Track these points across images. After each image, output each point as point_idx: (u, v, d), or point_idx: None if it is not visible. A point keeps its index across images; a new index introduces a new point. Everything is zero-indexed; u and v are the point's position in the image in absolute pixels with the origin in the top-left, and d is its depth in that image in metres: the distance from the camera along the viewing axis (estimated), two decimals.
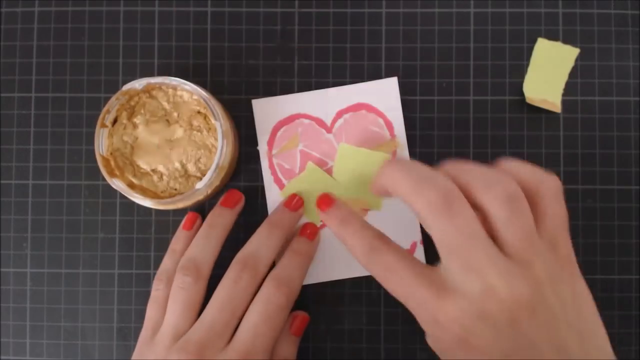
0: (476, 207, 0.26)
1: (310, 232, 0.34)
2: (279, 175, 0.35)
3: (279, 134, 0.35)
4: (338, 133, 0.35)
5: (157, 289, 0.32)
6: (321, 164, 0.35)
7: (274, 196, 0.35)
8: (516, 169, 0.27)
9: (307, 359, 0.35)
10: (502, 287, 0.24)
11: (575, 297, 0.25)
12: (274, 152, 0.35)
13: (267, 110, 0.35)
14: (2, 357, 0.35)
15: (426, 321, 0.26)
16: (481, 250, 0.24)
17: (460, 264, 0.25)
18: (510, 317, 0.24)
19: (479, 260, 0.24)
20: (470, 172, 0.26)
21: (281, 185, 0.35)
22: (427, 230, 0.26)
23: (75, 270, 0.35)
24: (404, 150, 0.35)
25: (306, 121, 0.35)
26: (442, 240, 0.25)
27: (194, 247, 0.32)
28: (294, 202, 0.34)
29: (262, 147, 0.35)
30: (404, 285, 0.26)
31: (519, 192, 0.25)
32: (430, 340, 0.27)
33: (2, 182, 0.36)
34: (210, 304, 0.31)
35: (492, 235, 0.25)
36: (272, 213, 0.34)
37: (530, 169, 0.27)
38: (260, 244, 0.32)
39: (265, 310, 0.30)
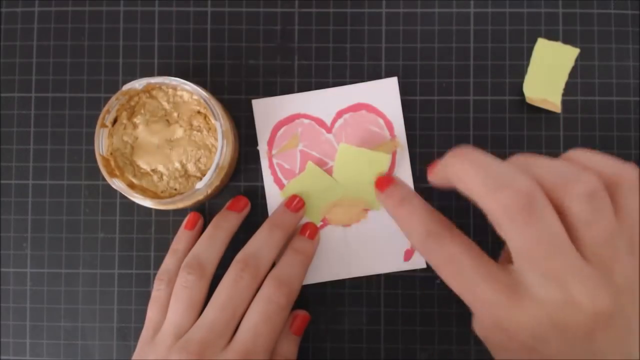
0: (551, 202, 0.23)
1: (310, 231, 0.34)
2: (279, 175, 0.35)
3: (279, 134, 0.35)
4: (338, 133, 0.35)
5: (158, 289, 0.32)
6: (321, 164, 0.35)
7: (274, 196, 0.35)
8: (591, 160, 0.24)
9: (307, 359, 0.35)
10: (584, 298, 0.22)
11: None
12: (274, 152, 0.35)
13: (267, 110, 0.35)
14: (2, 357, 0.35)
15: (487, 323, 0.24)
16: (564, 257, 0.22)
17: (540, 271, 0.23)
18: (588, 330, 0.22)
19: (561, 269, 0.22)
20: (543, 166, 0.24)
21: (281, 185, 0.35)
22: (500, 233, 0.24)
23: (75, 270, 0.35)
24: (404, 150, 0.35)
25: (306, 121, 0.35)
26: (520, 246, 0.23)
27: (199, 247, 0.32)
28: (295, 203, 0.34)
29: (262, 147, 0.35)
30: (465, 280, 0.24)
31: (600, 187, 0.23)
32: (478, 331, 0.25)
33: (2, 182, 0.36)
34: (211, 304, 0.31)
35: (570, 234, 0.23)
36: (273, 213, 0.34)
37: (607, 160, 0.24)
38: (261, 244, 0.32)
39: (266, 310, 0.30)
